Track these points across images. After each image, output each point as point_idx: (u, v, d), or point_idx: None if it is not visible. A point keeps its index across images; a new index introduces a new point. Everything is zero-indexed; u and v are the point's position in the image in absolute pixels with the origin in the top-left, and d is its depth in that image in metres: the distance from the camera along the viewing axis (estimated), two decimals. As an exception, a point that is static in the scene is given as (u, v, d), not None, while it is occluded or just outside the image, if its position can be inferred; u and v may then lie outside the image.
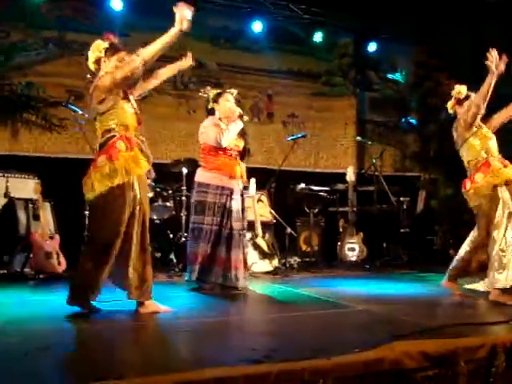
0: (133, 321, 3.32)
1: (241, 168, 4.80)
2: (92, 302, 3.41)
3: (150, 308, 3.46)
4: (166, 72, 3.98)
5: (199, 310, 3.90)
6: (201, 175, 4.72)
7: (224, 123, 4.68)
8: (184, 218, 6.11)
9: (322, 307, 3.93)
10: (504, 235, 4.05)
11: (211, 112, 4.83)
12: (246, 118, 4.78)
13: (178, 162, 6.28)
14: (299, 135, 7.10)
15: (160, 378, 1.94)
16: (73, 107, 5.96)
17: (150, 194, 5.63)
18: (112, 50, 3.52)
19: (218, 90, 4.90)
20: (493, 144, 4.30)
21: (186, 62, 4.07)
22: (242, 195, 4.79)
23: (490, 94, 4.13)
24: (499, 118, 4.44)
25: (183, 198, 6.16)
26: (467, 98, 4.36)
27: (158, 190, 6.13)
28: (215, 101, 4.79)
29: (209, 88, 4.94)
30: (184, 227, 6.08)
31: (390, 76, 9.47)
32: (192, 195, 4.81)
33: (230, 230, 4.60)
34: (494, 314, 3.60)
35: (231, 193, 4.65)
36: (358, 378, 2.18)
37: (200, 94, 4.94)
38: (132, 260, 3.38)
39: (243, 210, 4.77)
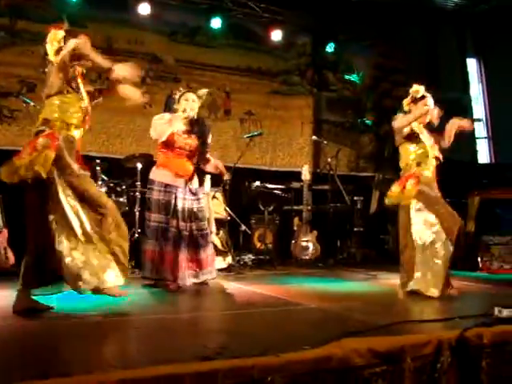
0: (81, 317, 3.24)
1: (189, 167, 4.66)
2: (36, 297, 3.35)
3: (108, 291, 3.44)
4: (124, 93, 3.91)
5: (151, 306, 3.86)
6: (151, 172, 4.72)
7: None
8: (138, 214, 6.03)
9: (274, 305, 3.94)
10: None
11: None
12: (185, 114, 4.62)
13: (133, 157, 6.19)
14: (255, 133, 7.09)
15: (103, 376, 1.89)
16: (25, 99, 5.80)
17: (103, 189, 5.54)
18: (70, 38, 3.42)
19: (186, 90, 4.80)
20: (428, 160, 4.37)
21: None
22: (194, 194, 4.67)
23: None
24: (447, 136, 4.46)
25: (137, 193, 6.07)
26: (423, 97, 4.43)
27: (112, 185, 6.02)
28: (178, 101, 4.71)
29: (181, 89, 4.83)
30: (138, 223, 6.01)
31: (347, 77, 9.54)
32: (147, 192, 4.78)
33: (176, 228, 4.50)
34: (441, 311, 3.69)
35: (176, 191, 4.55)
36: (307, 375, 2.19)
37: (174, 95, 4.79)
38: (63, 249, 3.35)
39: (199, 209, 4.67)
